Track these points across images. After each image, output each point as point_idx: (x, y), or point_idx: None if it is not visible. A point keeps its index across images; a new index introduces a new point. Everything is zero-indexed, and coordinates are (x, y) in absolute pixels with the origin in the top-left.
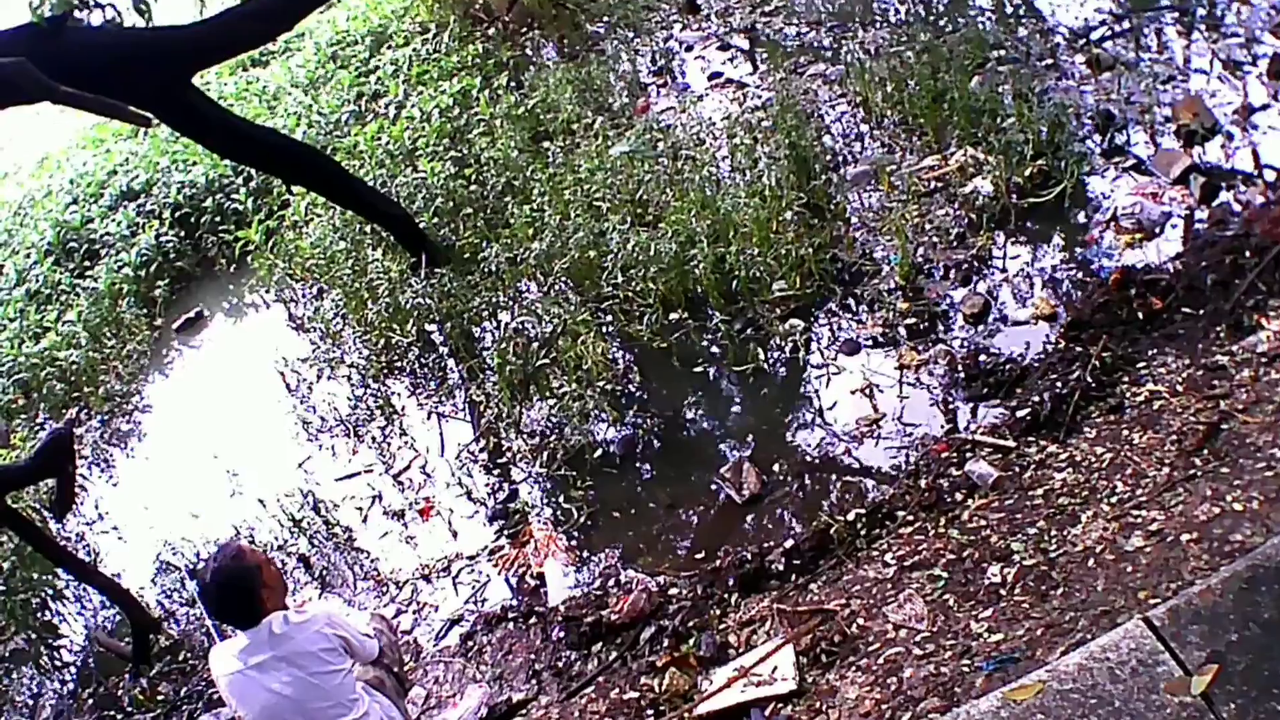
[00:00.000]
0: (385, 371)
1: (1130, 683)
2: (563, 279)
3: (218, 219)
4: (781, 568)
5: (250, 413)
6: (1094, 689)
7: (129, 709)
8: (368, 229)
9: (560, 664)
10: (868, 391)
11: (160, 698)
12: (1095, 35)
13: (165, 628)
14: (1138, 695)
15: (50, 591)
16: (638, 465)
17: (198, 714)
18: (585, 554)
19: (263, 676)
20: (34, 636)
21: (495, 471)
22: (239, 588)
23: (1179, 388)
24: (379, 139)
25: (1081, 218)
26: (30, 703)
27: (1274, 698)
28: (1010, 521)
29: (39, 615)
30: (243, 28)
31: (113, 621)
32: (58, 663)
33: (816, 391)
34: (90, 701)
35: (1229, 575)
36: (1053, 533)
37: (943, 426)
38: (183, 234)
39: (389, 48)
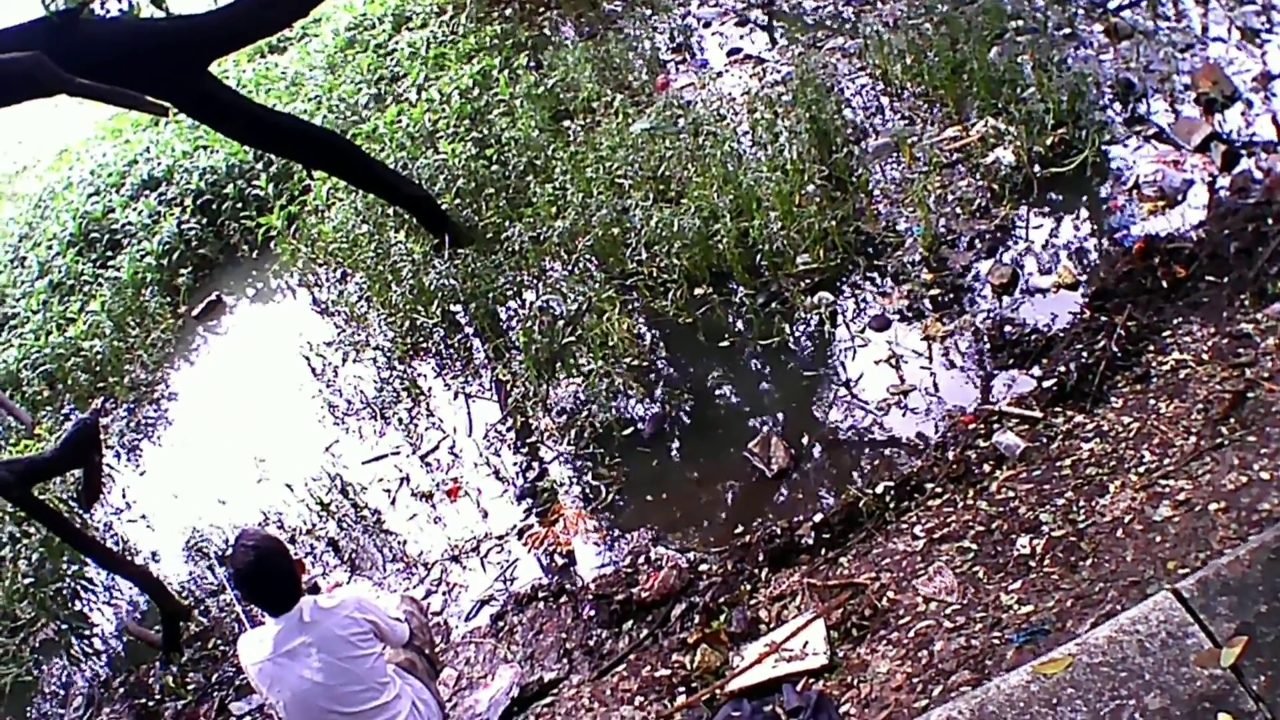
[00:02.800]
0: (411, 353)
1: (1160, 655)
2: (586, 257)
3: (239, 205)
4: (811, 542)
5: (276, 398)
6: (1123, 662)
7: (160, 696)
8: (390, 212)
9: (591, 642)
10: (894, 364)
11: (190, 685)
12: (1113, 4)
13: (195, 615)
14: (1167, 668)
15: (80, 581)
16: (666, 442)
17: (228, 701)
18: (614, 532)
19: (293, 663)
20: (64, 627)
21: (523, 450)
22: (276, 571)
23: (1204, 356)
24: (399, 122)
25: (1104, 187)
26: (61, 692)
27: None
28: (1038, 492)
29: (69, 605)
30: (258, 15)
31: (142, 610)
32: (88, 651)
33: (843, 364)
34: (121, 690)
35: (1257, 546)
36: (1081, 503)
37: (970, 398)
38: (205, 221)
39: (407, 29)
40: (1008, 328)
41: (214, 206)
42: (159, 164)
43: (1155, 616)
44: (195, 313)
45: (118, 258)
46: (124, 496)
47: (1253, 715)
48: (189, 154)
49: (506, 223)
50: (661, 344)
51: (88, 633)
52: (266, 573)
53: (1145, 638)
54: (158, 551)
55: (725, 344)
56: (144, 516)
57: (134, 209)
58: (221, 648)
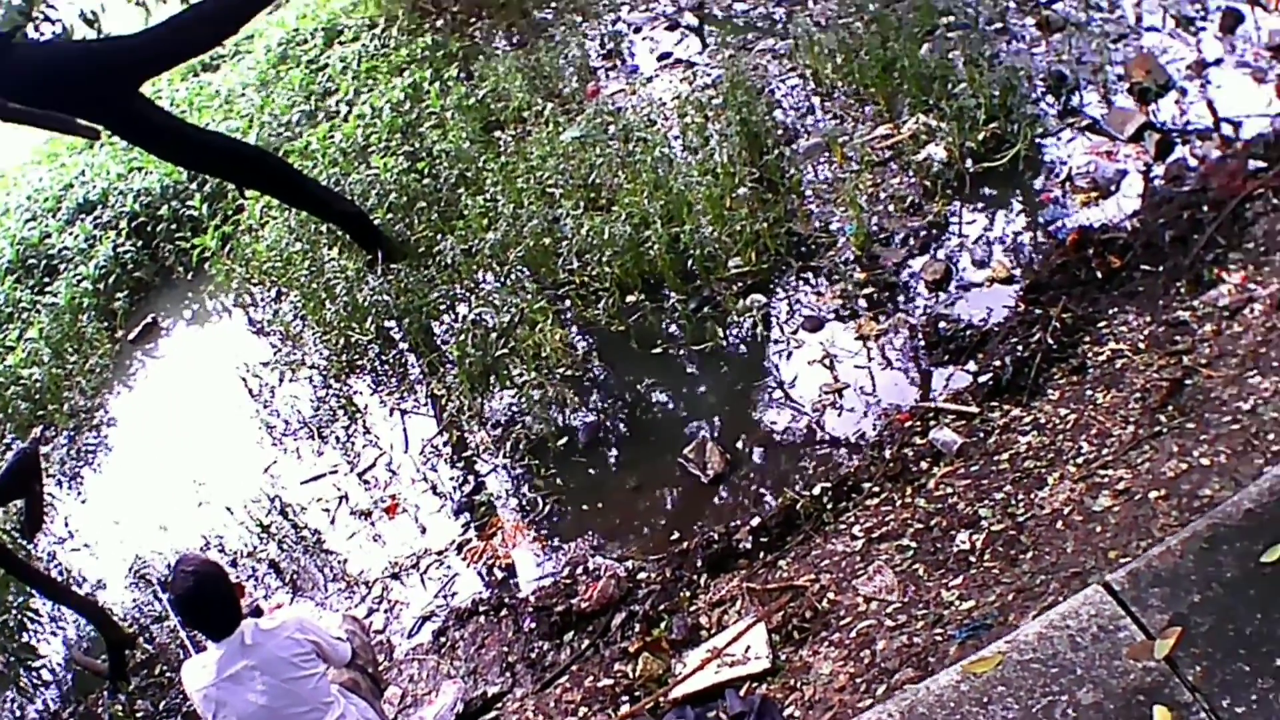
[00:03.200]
0: (346, 371)
1: (1092, 649)
2: (519, 268)
3: (174, 227)
4: (749, 546)
5: (215, 420)
6: (1055, 658)
7: None
8: (323, 229)
9: (533, 655)
10: (828, 364)
11: (139, 713)
12: None
13: (140, 643)
14: (1100, 662)
15: (27, 613)
16: (602, 450)
17: None
18: (553, 542)
19: (238, 687)
20: (12, 659)
21: (459, 465)
22: (215, 596)
23: (1141, 345)
24: (331, 138)
25: (1037, 180)
26: None
27: (1239, 658)
28: (977, 488)
29: (17, 637)
30: (188, 33)
31: (89, 639)
32: (37, 683)
33: (777, 367)
34: None
35: (1188, 535)
36: (1020, 497)
37: (906, 396)
38: (140, 244)
39: (339, 44)
40: (943, 324)
41: (149, 229)
42: (94, 187)
43: (1086, 610)
44: (131, 337)
45: (54, 283)
46: (66, 525)
47: (1189, 706)
48: (124, 176)
49: (438, 236)
50: (595, 353)
51: (35, 664)
52: (206, 598)
53: (1076, 632)
54: (102, 580)
55: (658, 351)
56: (87, 545)
57: (70, 233)
58: (168, 674)
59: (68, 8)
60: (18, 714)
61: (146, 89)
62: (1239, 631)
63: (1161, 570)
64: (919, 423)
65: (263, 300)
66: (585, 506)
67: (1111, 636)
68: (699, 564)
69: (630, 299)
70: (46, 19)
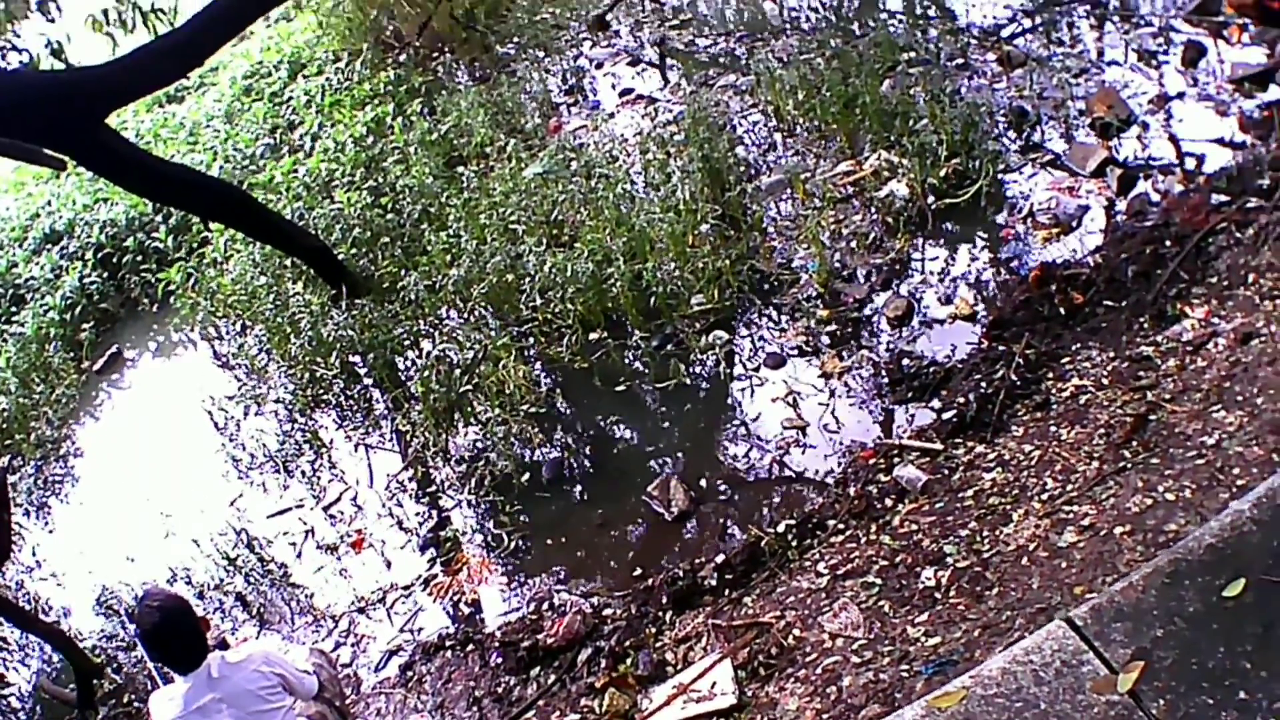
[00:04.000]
0: (312, 405)
1: (1055, 684)
2: (482, 304)
3: (140, 258)
4: (715, 582)
5: (180, 453)
6: (1019, 692)
7: None
8: (288, 263)
9: (500, 690)
10: (792, 401)
11: None
12: (1006, 32)
13: (108, 672)
14: (1064, 696)
15: None
16: (566, 487)
17: None
18: (519, 578)
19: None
20: None
21: (425, 500)
22: (181, 629)
23: (1105, 381)
24: (295, 172)
25: (999, 216)
26: None
27: (1203, 691)
28: (942, 524)
29: None
30: (154, 65)
31: (57, 668)
32: (4, 711)
33: (740, 404)
34: None
35: (1150, 570)
36: (985, 533)
37: (869, 433)
38: (106, 275)
39: (303, 77)
40: (906, 361)
41: (115, 260)
42: (60, 217)
43: (1049, 645)
44: (97, 368)
45: (21, 313)
46: (34, 554)
47: None
48: (90, 207)
49: (402, 272)
50: (558, 390)
51: (3, 693)
52: (172, 632)
53: (1040, 667)
54: (69, 609)
55: (622, 388)
56: (54, 574)
57: (37, 263)
58: (136, 704)
59: (34, 38)
60: None
61: (112, 120)
62: (1202, 665)
63: (1124, 605)
64: (883, 460)
65: (228, 334)
66: (550, 543)
67: (1075, 671)
68: (664, 600)
69: (593, 336)
70: (13, 48)
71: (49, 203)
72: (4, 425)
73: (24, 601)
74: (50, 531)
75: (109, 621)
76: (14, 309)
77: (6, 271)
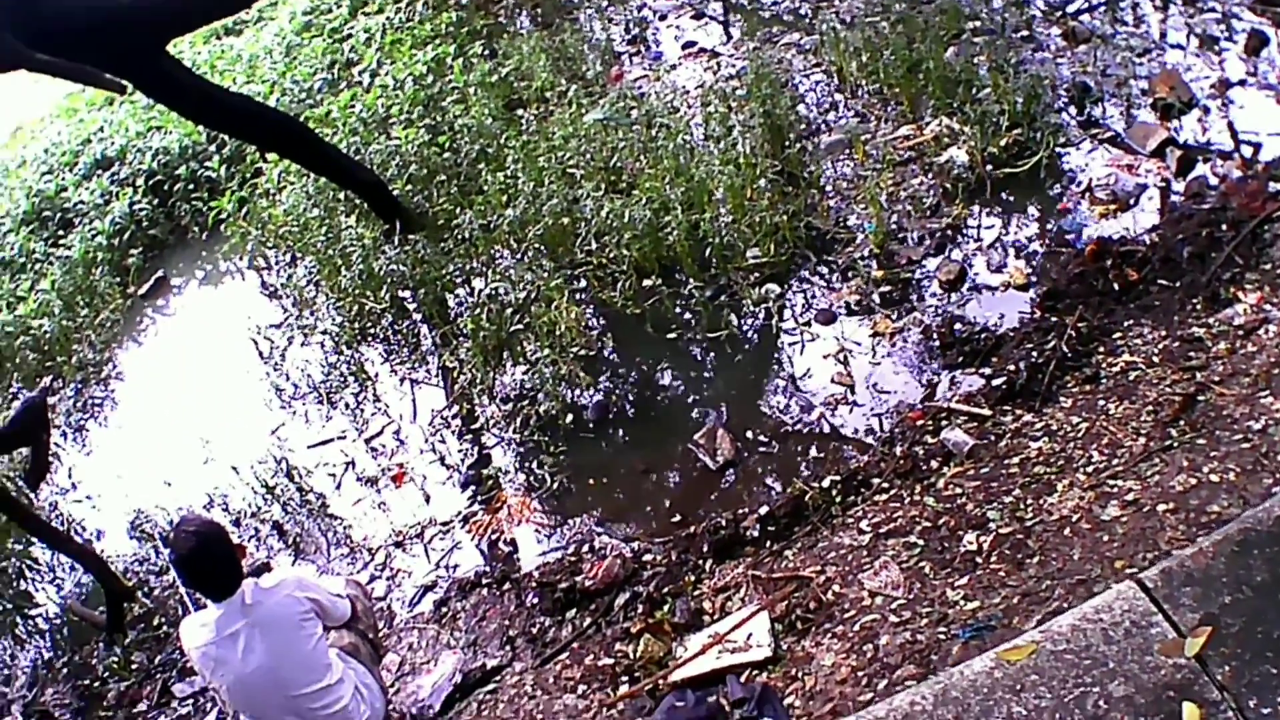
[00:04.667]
0: (359, 338)
1: (1124, 644)
2: (536, 245)
3: (191, 187)
4: (756, 534)
5: (223, 380)
6: (1088, 650)
7: (103, 677)
8: (341, 196)
9: (534, 630)
10: (842, 359)
11: (134, 666)
12: (1071, 8)
13: (139, 596)
14: (1131, 656)
15: (26, 561)
16: (611, 431)
17: (171, 683)
18: (559, 520)
19: (236, 646)
20: (9, 606)
21: (468, 438)
22: (217, 556)
23: (1155, 359)
24: (352, 107)
25: (1057, 189)
26: (4, 671)
27: (1268, 660)
28: (986, 490)
29: (14, 584)
30: None
31: (87, 590)
32: (32, 631)
33: (790, 358)
34: (64, 670)
35: (1221, 538)
36: (1029, 501)
37: (918, 394)
38: (156, 202)
39: (364, 14)
40: (958, 326)
41: (166, 187)
42: (113, 143)
43: (1119, 605)
44: (142, 292)
45: (69, 237)
46: (70, 476)
47: (1217, 704)
48: (143, 134)
49: (457, 210)
50: (609, 334)
51: (32, 612)
52: (208, 558)
53: (1109, 626)
54: (103, 531)
55: (672, 335)
56: (89, 497)
57: (86, 188)
58: (165, 629)
59: None
60: (12, 661)
61: (170, 50)
62: (1267, 635)
63: (1194, 570)
64: (930, 422)
65: (277, 264)
66: (593, 485)
67: (1144, 632)
68: (705, 549)
69: (647, 283)
70: None
71: (101, 129)
72: (46, 347)
73: (58, 522)
74: (88, 454)
75: (142, 545)
76: (61, 232)
77: (56, 195)
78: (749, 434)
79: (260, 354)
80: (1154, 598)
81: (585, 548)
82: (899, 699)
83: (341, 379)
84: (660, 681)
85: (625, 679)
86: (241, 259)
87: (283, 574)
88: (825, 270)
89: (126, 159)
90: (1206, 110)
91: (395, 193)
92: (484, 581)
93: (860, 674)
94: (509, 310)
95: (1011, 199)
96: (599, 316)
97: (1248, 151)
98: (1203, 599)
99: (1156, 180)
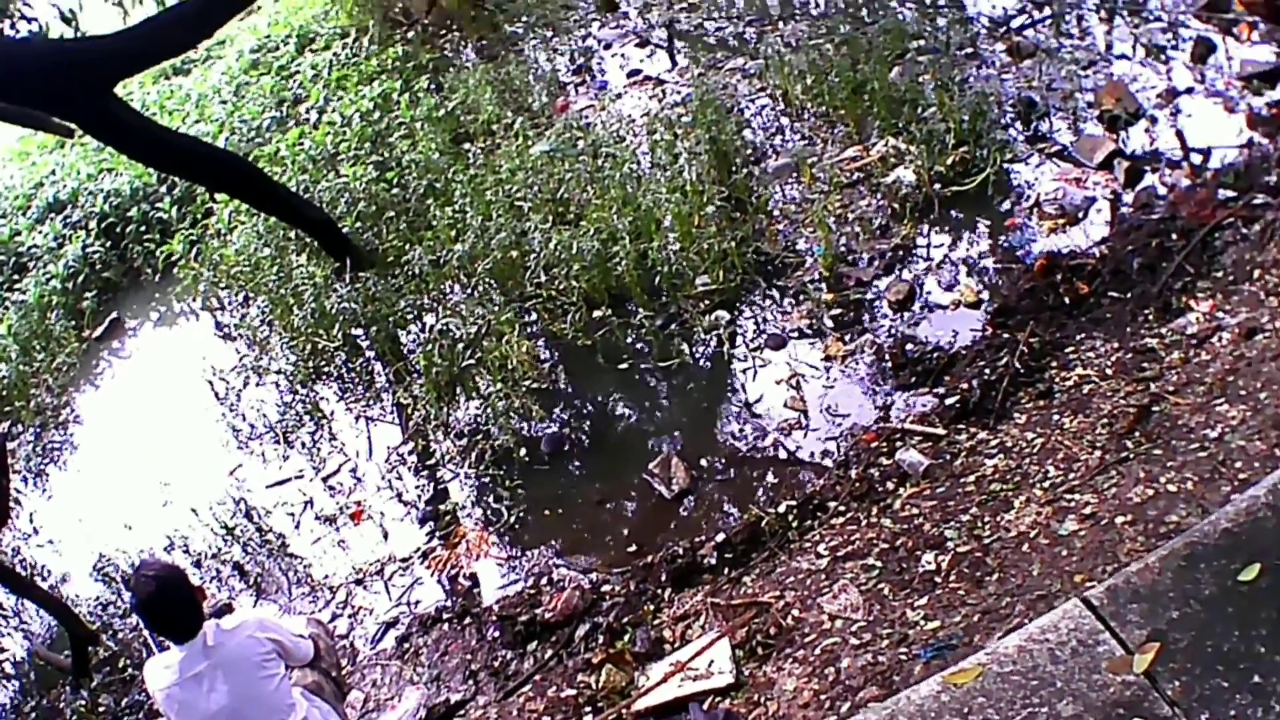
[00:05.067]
0: (313, 377)
1: (1071, 663)
2: (486, 279)
3: (143, 229)
4: (714, 561)
5: (180, 422)
6: (1035, 670)
7: None
8: (292, 235)
9: (496, 663)
10: (794, 383)
11: (101, 709)
12: (1015, 23)
13: (103, 639)
14: (1079, 675)
15: None
16: (566, 464)
17: None
18: (517, 553)
19: (200, 687)
20: None
21: (425, 473)
22: (177, 599)
23: (1108, 371)
24: (301, 144)
25: (1005, 205)
26: None
27: (1218, 674)
28: (943, 509)
29: None
30: (163, 35)
31: (52, 634)
32: None
33: (743, 385)
34: (33, 715)
35: (1167, 553)
36: (986, 519)
37: (872, 416)
38: (109, 244)
39: (310, 51)
40: (910, 346)
41: (118, 230)
42: (64, 186)
43: (1065, 624)
44: (97, 335)
45: (23, 281)
46: (31, 521)
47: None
48: (94, 176)
49: (407, 246)
50: (561, 366)
51: None
52: (168, 602)
53: (1056, 645)
54: (66, 575)
55: (624, 365)
56: (51, 541)
57: (40, 232)
58: (131, 671)
59: (45, 6)
60: None
61: (118, 91)
62: (1217, 648)
63: (1140, 587)
64: (885, 443)
65: (230, 304)
66: (549, 518)
67: (1091, 650)
68: (663, 578)
69: (597, 314)
70: (23, 17)
71: (53, 172)
72: (4, 392)
73: (20, 568)
74: (48, 498)
75: (105, 589)
76: (16, 277)
77: (10, 240)
78: (704, 462)
79: (216, 395)
80: (1100, 615)
81: (544, 580)
82: None
83: (297, 418)
84: (623, 711)
85: (588, 710)
86: (194, 300)
87: (244, 615)
88: (775, 295)
89: (79, 202)
90: (1154, 120)
91: (345, 230)
92: (445, 616)
93: (823, 697)
94: (461, 345)
95: (960, 217)
96: (551, 349)
97: (1196, 159)
98: (1150, 615)
99: (1105, 192)
